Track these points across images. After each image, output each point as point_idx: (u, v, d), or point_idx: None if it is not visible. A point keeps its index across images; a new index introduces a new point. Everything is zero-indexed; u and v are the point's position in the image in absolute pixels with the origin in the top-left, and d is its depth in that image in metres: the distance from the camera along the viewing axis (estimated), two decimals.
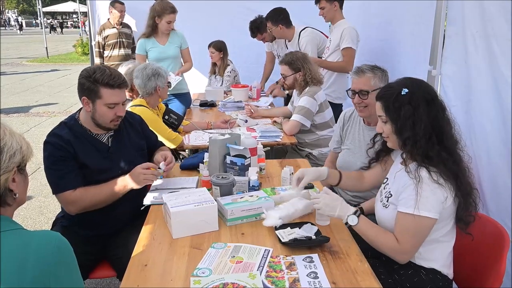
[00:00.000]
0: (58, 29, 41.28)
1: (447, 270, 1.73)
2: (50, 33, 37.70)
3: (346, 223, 1.70)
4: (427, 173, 1.58)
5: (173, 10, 4.08)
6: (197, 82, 5.34)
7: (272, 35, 4.62)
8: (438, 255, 1.71)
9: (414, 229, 1.60)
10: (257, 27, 4.68)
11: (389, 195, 1.74)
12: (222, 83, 5.02)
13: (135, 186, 2.02)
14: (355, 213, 1.69)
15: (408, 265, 1.71)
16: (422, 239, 1.63)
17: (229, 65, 5.01)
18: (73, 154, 2.00)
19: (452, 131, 1.66)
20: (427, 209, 1.56)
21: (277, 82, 4.54)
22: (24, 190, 1.27)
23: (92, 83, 1.97)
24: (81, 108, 2.08)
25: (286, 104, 4.54)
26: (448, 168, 1.59)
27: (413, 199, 1.57)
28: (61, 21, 47.38)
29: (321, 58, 4.12)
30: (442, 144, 1.61)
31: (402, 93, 1.64)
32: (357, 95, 2.27)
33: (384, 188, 1.82)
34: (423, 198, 1.56)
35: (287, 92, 4.42)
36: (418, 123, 1.61)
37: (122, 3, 5.18)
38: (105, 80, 1.96)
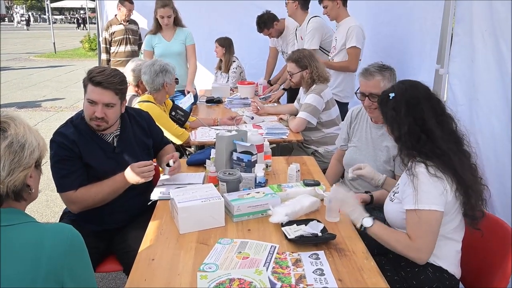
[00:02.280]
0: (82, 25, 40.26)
1: (454, 269, 1.73)
2: (78, 29, 37.15)
3: (361, 226, 1.71)
4: (424, 168, 1.61)
5: (162, 5, 4.05)
6: (203, 79, 5.35)
7: (278, 31, 4.61)
8: (445, 253, 1.71)
9: (423, 225, 1.60)
10: (264, 22, 4.66)
11: (397, 191, 1.78)
12: (228, 80, 5.02)
13: (134, 182, 2.02)
14: (371, 217, 1.72)
15: (415, 263, 1.71)
16: (434, 234, 1.62)
17: (234, 61, 5.01)
18: (78, 154, 2.01)
19: (450, 128, 1.69)
20: (430, 203, 1.58)
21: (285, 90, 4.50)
22: (38, 185, 1.29)
23: (86, 78, 2.03)
24: None
25: (288, 101, 4.54)
26: (445, 162, 1.62)
27: (413, 194, 1.61)
28: (84, 16, 46.44)
29: (325, 50, 4.14)
30: (435, 142, 1.64)
31: (390, 98, 1.73)
32: (367, 98, 2.27)
33: (395, 186, 1.84)
34: (423, 192, 1.59)
35: (283, 86, 4.45)
36: (402, 125, 1.69)
37: (132, 3, 5.18)
38: (92, 75, 2.00)
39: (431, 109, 1.68)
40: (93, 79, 1.99)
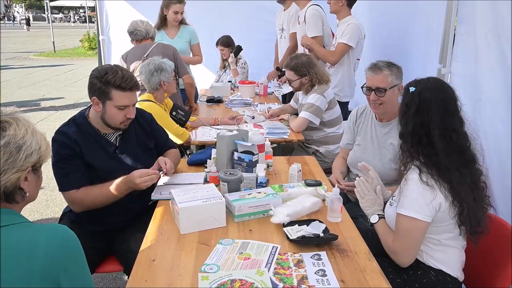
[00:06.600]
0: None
1: (457, 272, 1.72)
2: None
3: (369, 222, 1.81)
4: (417, 174, 1.60)
5: (180, 0, 4.07)
6: (204, 78, 5.34)
7: None
8: (445, 258, 1.70)
9: (401, 230, 1.64)
10: None
11: (395, 195, 1.77)
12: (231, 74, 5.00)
13: (136, 188, 1.99)
14: (379, 215, 1.79)
15: (418, 266, 1.71)
16: (411, 241, 1.63)
17: (240, 58, 5.00)
18: (79, 154, 1.99)
19: (461, 144, 1.63)
20: (412, 210, 1.59)
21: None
22: (35, 189, 1.26)
23: (104, 84, 1.95)
24: (91, 105, 2.05)
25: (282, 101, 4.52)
26: (441, 173, 1.58)
27: (401, 198, 1.63)
28: None
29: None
30: (434, 148, 1.60)
31: (409, 92, 1.68)
32: (373, 92, 2.26)
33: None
34: (408, 198, 1.60)
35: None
36: (409, 123, 1.66)
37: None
38: (117, 82, 1.94)
39: (439, 120, 1.61)
40: (121, 85, 1.95)
